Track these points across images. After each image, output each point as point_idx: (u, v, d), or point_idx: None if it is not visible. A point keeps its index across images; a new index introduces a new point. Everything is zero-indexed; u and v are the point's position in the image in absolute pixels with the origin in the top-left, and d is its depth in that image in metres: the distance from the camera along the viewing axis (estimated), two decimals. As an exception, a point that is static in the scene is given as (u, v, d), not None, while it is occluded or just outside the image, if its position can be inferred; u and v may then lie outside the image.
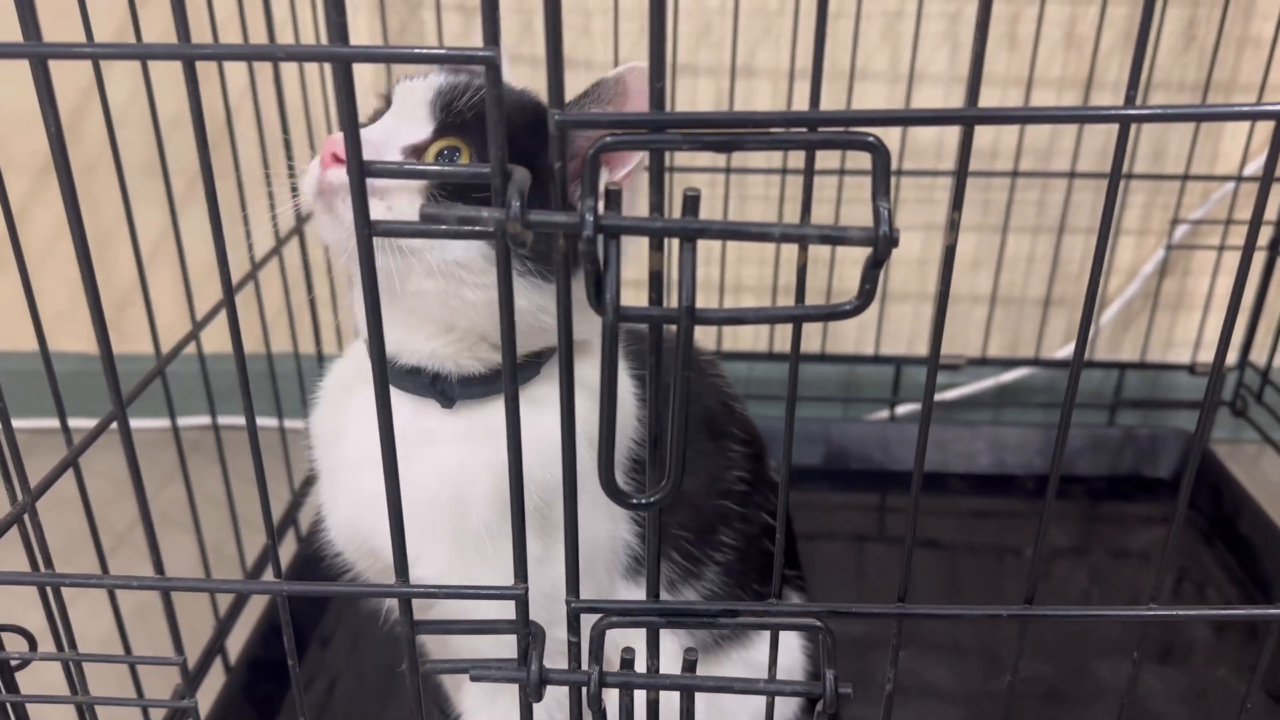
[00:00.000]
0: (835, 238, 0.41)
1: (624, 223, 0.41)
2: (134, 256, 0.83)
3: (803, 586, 0.85)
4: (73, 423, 0.69)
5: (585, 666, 0.51)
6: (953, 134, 1.28)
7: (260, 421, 1.23)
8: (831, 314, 0.44)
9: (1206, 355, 1.38)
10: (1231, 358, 1.35)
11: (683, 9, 1.22)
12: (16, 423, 0.54)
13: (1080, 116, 0.45)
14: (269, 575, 0.75)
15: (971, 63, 0.40)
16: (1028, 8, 1.22)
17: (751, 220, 0.40)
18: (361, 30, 1.22)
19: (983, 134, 1.29)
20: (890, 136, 1.27)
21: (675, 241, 0.42)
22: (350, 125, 0.41)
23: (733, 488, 0.76)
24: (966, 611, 0.51)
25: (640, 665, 0.52)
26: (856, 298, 0.43)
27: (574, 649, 0.52)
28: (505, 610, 0.51)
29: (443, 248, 0.59)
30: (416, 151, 0.61)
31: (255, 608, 1.00)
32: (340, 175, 0.58)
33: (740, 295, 1.35)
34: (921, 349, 1.38)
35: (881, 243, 0.40)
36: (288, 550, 1.09)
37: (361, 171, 0.42)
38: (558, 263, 0.43)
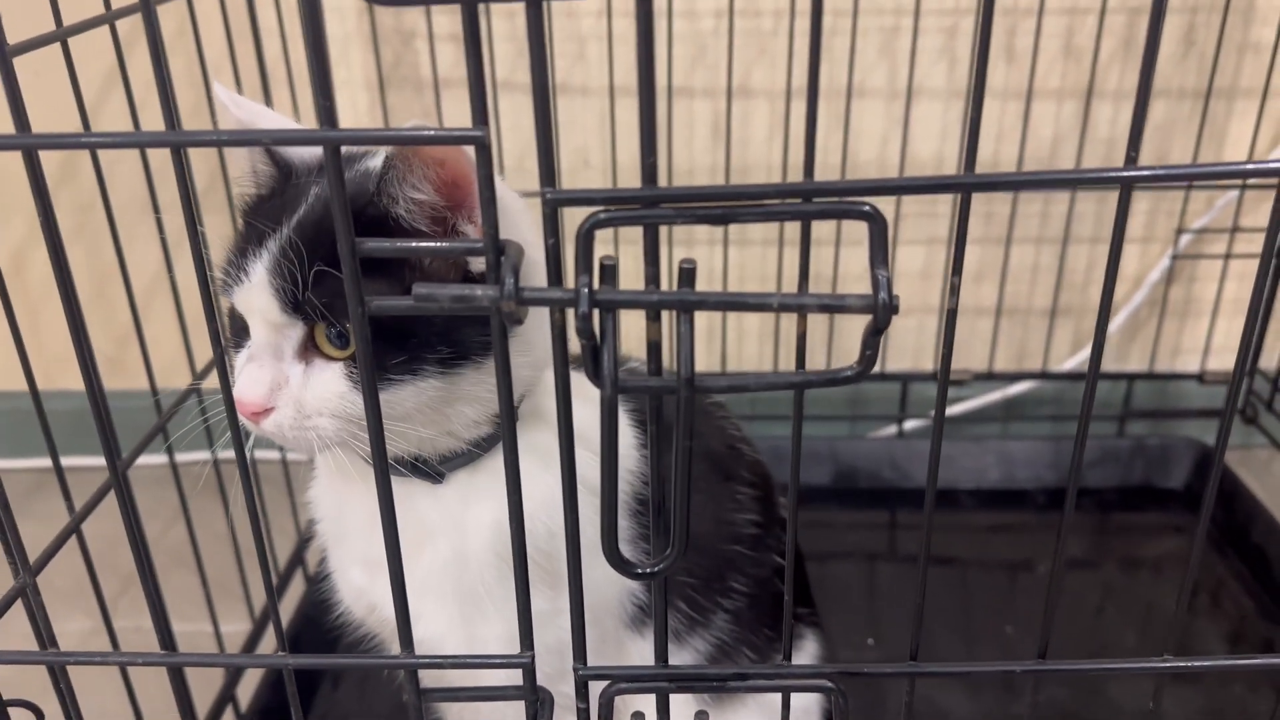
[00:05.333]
0: (834, 306, 0.41)
1: (620, 297, 0.40)
2: (128, 300, 0.83)
3: (816, 622, 0.84)
4: (76, 461, 0.69)
5: (595, 732, 0.51)
6: (953, 149, 1.27)
7: (262, 454, 1.21)
8: (833, 380, 0.43)
9: (1215, 363, 1.37)
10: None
11: (676, 32, 1.21)
12: (19, 463, 0.53)
13: (1077, 180, 0.44)
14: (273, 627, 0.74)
15: (969, 130, 0.40)
16: (1025, 20, 1.21)
17: (750, 290, 0.39)
18: (355, 64, 1.21)
19: (985, 146, 1.28)
20: (890, 151, 1.27)
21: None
22: (342, 208, 0.40)
23: (742, 531, 0.75)
24: (980, 669, 0.51)
25: (650, 728, 0.52)
26: (858, 364, 0.42)
27: (583, 714, 0.51)
28: (513, 675, 0.51)
29: (395, 408, 0.57)
30: (305, 350, 0.57)
31: (266, 650, 0.99)
32: (277, 421, 0.56)
33: (742, 321, 1.35)
34: (927, 363, 1.38)
35: (881, 311, 0.40)
36: (295, 591, 1.08)
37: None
38: (553, 337, 0.43)
